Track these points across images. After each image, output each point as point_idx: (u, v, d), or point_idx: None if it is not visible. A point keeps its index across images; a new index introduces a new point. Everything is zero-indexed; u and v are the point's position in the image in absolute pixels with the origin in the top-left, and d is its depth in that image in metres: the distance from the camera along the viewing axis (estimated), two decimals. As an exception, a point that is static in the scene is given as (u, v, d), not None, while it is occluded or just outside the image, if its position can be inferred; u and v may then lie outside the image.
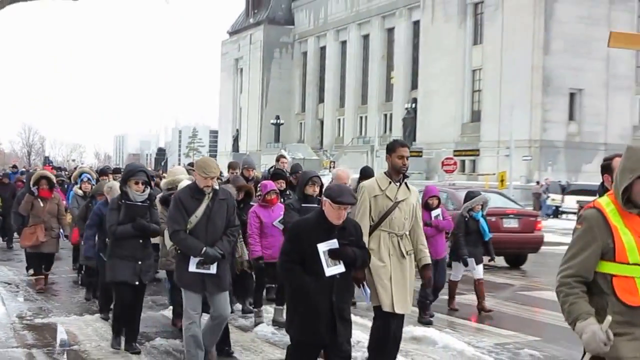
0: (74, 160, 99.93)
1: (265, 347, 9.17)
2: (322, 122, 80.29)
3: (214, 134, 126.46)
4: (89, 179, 14.29)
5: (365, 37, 73.40)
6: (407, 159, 7.10)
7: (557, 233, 26.44)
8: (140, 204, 8.06)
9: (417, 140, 56.41)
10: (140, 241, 8.12)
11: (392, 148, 7.15)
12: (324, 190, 6.22)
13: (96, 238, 10.24)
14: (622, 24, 53.24)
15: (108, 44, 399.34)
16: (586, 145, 52.30)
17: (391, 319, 6.90)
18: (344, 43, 76.57)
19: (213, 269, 7.13)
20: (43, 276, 12.65)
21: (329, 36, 78.56)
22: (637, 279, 3.80)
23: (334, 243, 5.82)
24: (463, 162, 51.63)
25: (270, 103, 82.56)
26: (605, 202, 3.96)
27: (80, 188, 13.72)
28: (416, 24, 64.92)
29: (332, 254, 5.82)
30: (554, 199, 42.13)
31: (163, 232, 8.51)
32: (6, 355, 8.63)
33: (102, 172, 17.80)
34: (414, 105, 60.68)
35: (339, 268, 5.86)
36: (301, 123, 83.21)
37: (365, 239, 6.56)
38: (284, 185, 11.26)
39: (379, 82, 71.48)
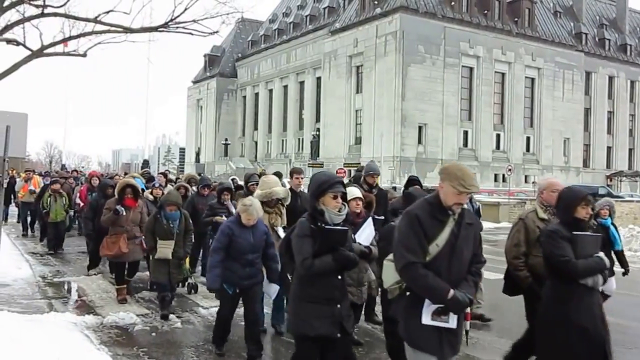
0: (83, 167, 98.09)
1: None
2: (256, 143, 79.40)
3: (182, 150, 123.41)
4: (160, 184, 10.95)
5: (285, 87, 72.89)
6: None
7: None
8: (340, 228, 4.23)
9: (320, 156, 56.28)
10: (339, 277, 4.26)
11: None
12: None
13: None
14: (451, 81, 54.62)
15: (108, 84, 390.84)
16: (429, 160, 52.89)
17: None
18: (270, 91, 75.84)
19: (453, 322, 3.52)
20: (125, 285, 8.69)
21: (260, 86, 77.66)
22: None
23: None
24: (350, 171, 51.82)
25: (221, 130, 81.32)
26: None
27: (151, 193, 10.06)
28: (319, 79, 64.71)
29: None
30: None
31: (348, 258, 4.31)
32: (33, 304, 8.28)
33: (164, 175, 13.87)
34: (317, 133, 60.69)
35: None
36: (242, 143, 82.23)
37: None
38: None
39: (294, 116, 71.01)
